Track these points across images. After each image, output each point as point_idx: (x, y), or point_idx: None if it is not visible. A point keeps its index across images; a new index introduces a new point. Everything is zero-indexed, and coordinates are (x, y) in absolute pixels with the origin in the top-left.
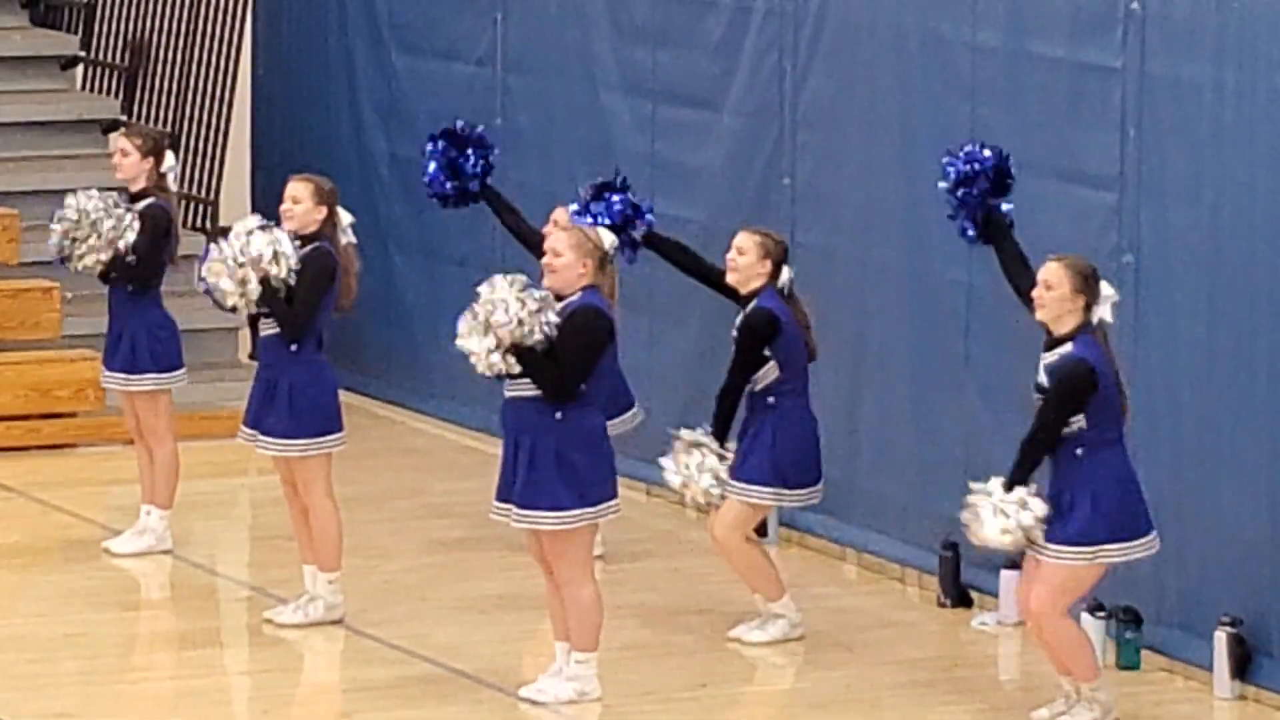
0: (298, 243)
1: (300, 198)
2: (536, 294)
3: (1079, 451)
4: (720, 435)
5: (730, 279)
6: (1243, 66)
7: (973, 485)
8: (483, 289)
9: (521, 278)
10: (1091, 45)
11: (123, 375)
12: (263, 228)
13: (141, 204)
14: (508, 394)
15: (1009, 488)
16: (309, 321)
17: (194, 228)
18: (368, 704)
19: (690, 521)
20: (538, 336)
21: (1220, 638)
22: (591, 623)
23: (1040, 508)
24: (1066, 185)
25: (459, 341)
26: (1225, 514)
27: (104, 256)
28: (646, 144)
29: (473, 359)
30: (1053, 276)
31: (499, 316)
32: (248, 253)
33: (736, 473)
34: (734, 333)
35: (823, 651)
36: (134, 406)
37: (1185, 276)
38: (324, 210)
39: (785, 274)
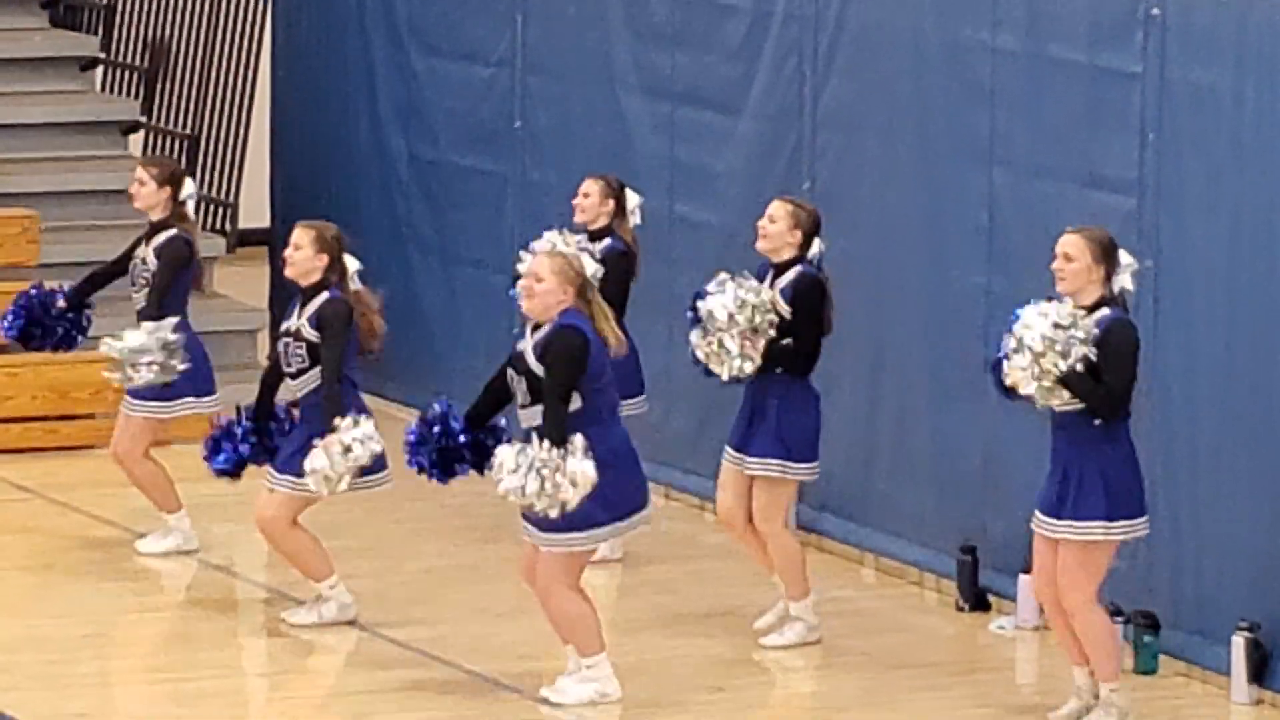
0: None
1: (301, 244)
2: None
3: (1096, 422)
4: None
5: (760, 246)
6: (1263, 72)
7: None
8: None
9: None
10: (1111, 50)
11: (157, 403)
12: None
13: (161, 237)
14: (523, 424)
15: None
16: (340, 371)
17: (213, 229)
18: (385, 706)
19: (709, 524)
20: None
21: (1238, 642)
22: (586, 628)
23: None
24: (1085, 190)
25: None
26: (1243, 519)
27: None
28: (666, 147)
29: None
30: (1072, 249)
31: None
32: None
33: (751, 449)
34: (782, 303)
35: (840, 655)
36: (135, 429)
37: (1204, 283)
38: (325, 258)
39: (817, 245)
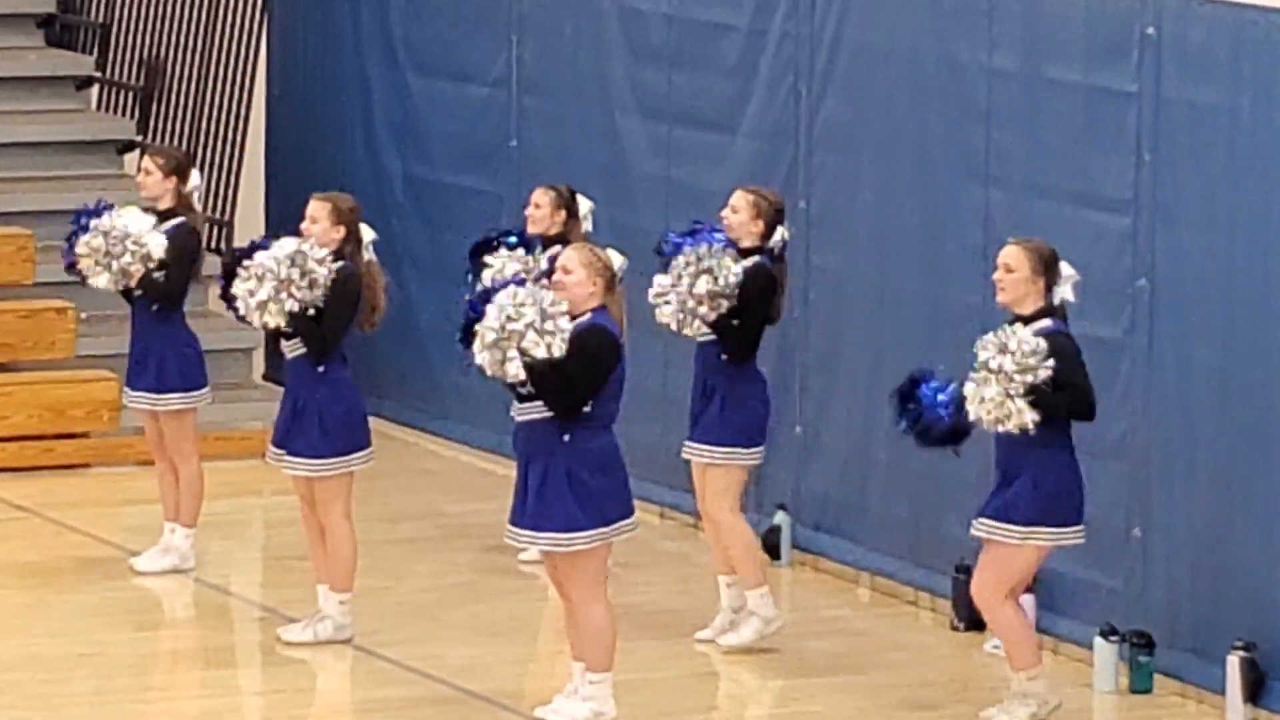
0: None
1: (317, 217)
2: (553, 308)
3: (1031, 431)
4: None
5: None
6: (1258, 91)
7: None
8: (502, 294)
9: (545, 294)
10: (1107, 69)
11: (151, 395)
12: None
13: (169, 224)
14: (517, 418)
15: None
16: (337, 342)
17: (209, 248)
18: None
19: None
20: (550, 352)
21: (1233, 662)
22: (604, 643)
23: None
24: (1081, 210)
25: (477, 347)
26: (1239, 538)
27: (134, 274)
28: (662, 166)
29: (482, 360)
30: (1012, 259)
31: (515, 325)
32: (278, 273)
33: (704, 438)
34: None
35: (835, 674)
36: (158, 425)
37: (1199, 302)
38: (342, 230)
39: (779, 234)
